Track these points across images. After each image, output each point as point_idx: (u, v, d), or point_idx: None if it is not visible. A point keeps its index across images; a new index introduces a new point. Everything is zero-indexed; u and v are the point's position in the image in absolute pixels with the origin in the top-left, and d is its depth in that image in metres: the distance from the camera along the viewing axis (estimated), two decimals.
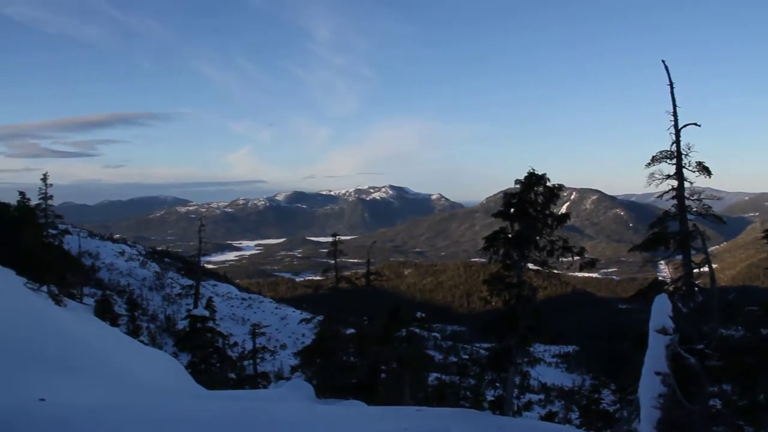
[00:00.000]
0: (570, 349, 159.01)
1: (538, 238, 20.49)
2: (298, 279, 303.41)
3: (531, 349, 22.20)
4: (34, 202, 34.84)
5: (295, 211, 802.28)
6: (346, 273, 32.69)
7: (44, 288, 25.97)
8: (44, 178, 36.75)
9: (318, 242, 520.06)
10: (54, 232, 36.91)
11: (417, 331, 28.85)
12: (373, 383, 27.51)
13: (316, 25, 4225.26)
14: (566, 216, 21.26)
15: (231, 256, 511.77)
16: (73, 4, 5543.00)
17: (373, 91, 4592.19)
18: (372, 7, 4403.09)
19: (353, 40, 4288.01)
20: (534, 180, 20.27)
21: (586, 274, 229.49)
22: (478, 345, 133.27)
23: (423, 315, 29.62)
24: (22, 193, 33.64)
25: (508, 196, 20.73)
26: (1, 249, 26.52)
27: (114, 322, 36.61)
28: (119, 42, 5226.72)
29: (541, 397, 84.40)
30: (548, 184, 20.30)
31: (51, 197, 36.87)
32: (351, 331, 30.16)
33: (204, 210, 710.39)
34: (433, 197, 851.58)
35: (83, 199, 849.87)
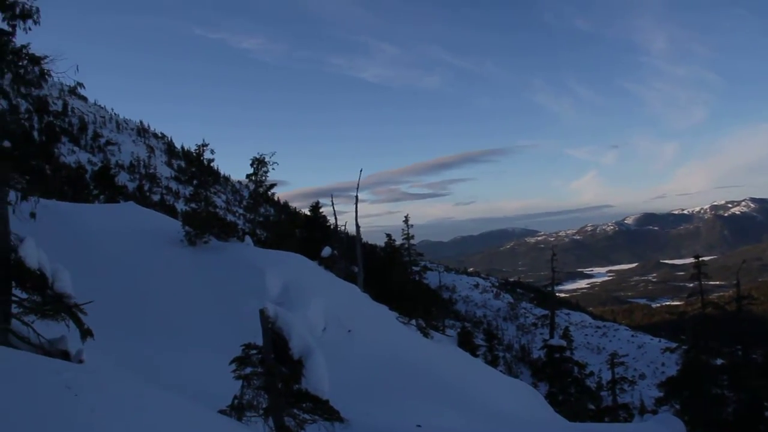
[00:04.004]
0: None
1: None
2: (654, 305, 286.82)
3: None
4: (397, 242, 38.60)
5: (647, 234, 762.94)
6: (711, 297, 30.12)
7: (413, 321, 28.57)
8: (406, 220, 40.22)
9: (674, 265, 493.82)
10: (416, 268, 40.17)
11: None
12: (754, 421, 24.68)
13: (648, 38, 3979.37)
14: None
15: (582, 283, 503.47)
16: (415, 59, 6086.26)
17: (720, 97, 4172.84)
18: (708, 8, 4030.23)
19: (691, 46, 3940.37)
20: None
21: None
22: None
23: None
24: (388, 235, 37.57)
25: None
26: (375, 286, 29.94)
27: (474, 352, 38.57)
28: (459, 87, 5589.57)
29: None
30: None
31: (412, 237, 40.31)
32: (720, 361, 27.58)
33: (552, 239, 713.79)
34: None
35: (438, 236, 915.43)
